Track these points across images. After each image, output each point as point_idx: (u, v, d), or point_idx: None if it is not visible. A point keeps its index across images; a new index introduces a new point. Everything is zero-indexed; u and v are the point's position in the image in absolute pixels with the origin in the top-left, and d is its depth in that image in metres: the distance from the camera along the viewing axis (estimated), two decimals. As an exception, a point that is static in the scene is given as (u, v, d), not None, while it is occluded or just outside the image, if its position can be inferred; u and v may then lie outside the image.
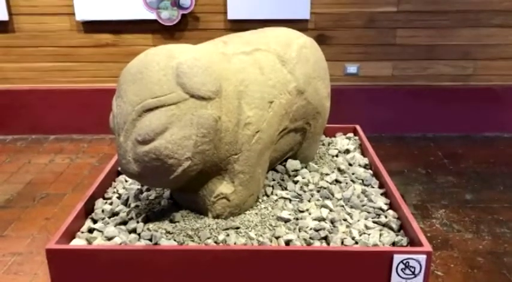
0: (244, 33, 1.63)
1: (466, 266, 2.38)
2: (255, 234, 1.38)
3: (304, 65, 1.58)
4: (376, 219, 1.46)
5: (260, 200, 1.55)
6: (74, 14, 3.61)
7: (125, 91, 1.32)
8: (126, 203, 1.57)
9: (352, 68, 3.75)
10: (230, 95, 1.36)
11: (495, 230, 2.69)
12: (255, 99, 1.41)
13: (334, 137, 2.06)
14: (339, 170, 1.74)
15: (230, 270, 1.30)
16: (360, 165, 1.79)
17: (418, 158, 3.51)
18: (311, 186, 1.62)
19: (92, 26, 3.68)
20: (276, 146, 1.55)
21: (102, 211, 1.53)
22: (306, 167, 1.74)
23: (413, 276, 1.27)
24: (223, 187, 1.43)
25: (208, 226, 1.41)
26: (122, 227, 1.43)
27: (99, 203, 1.57)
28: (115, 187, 1.70)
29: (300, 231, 1.40)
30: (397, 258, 1.25)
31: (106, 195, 1.65)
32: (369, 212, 1.50)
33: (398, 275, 1.27)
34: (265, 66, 1.47)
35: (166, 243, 1.34)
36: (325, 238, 1.37)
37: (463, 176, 3.27)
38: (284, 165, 1.72)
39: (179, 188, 1.47)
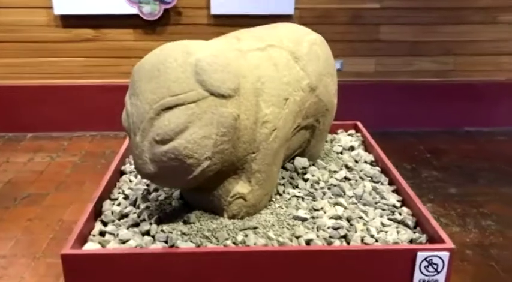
0: (254, 29, 1.60)
1: (455, 259, 2.41)
2: (274, 234, 1.36)
3: (315, 61, 1.57)
4: (391, 217, 1.46)
5: (273, 199, 1.52)
6: (51, 7, 3.49)
7: (141, 89, 1.27)
8: (134, 203, 1.53)
9: (335, 64, 3.74)
10: (248, 92, 1.33)
11: (481, 222, 2.75)
12: (271, 97, 1.38)
13: (336, 134, 2.06)
14: (347, 167, 1.74)
15: (253, 272, 1.27)
16: (366, 162, 1.79)
17: (402, 153, 3.55)
18: (321, 184, 1.61)
19: (70, 21, 3.57)
20: (288, 143, 1.53)
21: (111, 213, 1.47)
22: (313, 165, 1.73)
23: (436, 273, 1.27)
24: (240, 187, 1.40)
25: (225, 227, 1.38)
26: (135, 229, 1.39)
27: (107, 205, 1.51)
28: (120, 187, 1.65)
29: (318, 230, 1.39)
30: (420, 255, 1.26)
31: (112, 196, 1.59)
32: (383, 209, 1.50)
33: (422, 272, 1.27)
34: (279, 63, 1.45)
35: (184, 245, 1.30)
36: (345, 236, 1.36)
37: (447, 170, 3.32)
38: (292, 163, 1.70)
39: (193, 188, 1.44)
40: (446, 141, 3.75)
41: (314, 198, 1.54)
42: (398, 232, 1.39)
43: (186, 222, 1.41)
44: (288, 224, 1.40)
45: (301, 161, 1.69)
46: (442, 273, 1.27)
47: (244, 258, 1.26)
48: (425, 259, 1.26)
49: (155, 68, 1.27)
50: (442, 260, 1.26)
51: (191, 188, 1.44)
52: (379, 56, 3.74)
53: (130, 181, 1.68)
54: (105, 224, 1.44)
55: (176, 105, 1.23)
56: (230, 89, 1.27)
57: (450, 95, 3.80)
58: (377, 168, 1.75)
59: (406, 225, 1.43)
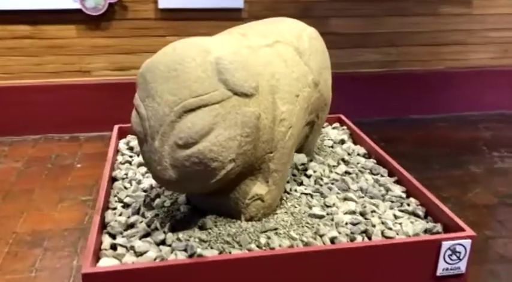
0: (252, 24, 1.55)
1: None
2: (296, 234, 1.33)
3: (315, 56, 1.55)
4: (401, 208, 1.48)
5: (284, 198, 1.49)
6: (-17, 2, 3.21)
7: (157, 90, 1.19)
8: (138, 212, 1.43)
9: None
10: (264, 90, 1.29)
11: (442, 206, 2.87)
12: (286, 94, 1.35)
13: (322, 127, 2.05)
14: (343, 160, 1.74)
15: (283, 274, 1.24)
16: (359, 155, 1.80)
17: (355, 143, 3.63)
18: (325, 180, 1.60)
19: (5, 17, 3.29)
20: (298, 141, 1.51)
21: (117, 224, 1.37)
22: (311, 160, 1.71)
23: (458, 260, 1.31)
24: (257, 188, 1.35)
25: (245, 230, 1.33)
26: (148, 239, 1.30)
27: (110, 215, 1.41)
28: (115, 196, 1.54)
29: (337, 227, 1.37)
30: (445, 245, 1.28)
31: (110, 206, 1.49)
32: (392, 202, 1.51)
33: (445, 261, 1.30)
34: (287, 59, 1.41)
35: (206, 253, 1.24)
36: (365, 231, 1.36)
37: (402, 157, 3.42)
38: (291, 160, 1.67)
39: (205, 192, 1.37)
40: (396, 129, 3.88)
41: (322, 195, 1.52)
42: (412, 223, 1.41)
43: (202, 228, 1.34)
44: (307, 222, 1.38)
45: (300, 157, 1.67)
46: (463, 260, 1.31)
47: (275, 262, 1.22)
48: (449, 248, 1.28)
49: (171, 68, 1.19)
50: (464, 247, 1.29)
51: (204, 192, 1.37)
52: (329, 49, 3.77)
53: (126, 188, 1.57)
54: (113, 236, 1.34)
55: (199, 107, 1.16)
56: (252, 87, 1.22)
57: (395, 85, 3.93)
58: (371, 160, 1.77)
59: (417, 216, 1.45)
